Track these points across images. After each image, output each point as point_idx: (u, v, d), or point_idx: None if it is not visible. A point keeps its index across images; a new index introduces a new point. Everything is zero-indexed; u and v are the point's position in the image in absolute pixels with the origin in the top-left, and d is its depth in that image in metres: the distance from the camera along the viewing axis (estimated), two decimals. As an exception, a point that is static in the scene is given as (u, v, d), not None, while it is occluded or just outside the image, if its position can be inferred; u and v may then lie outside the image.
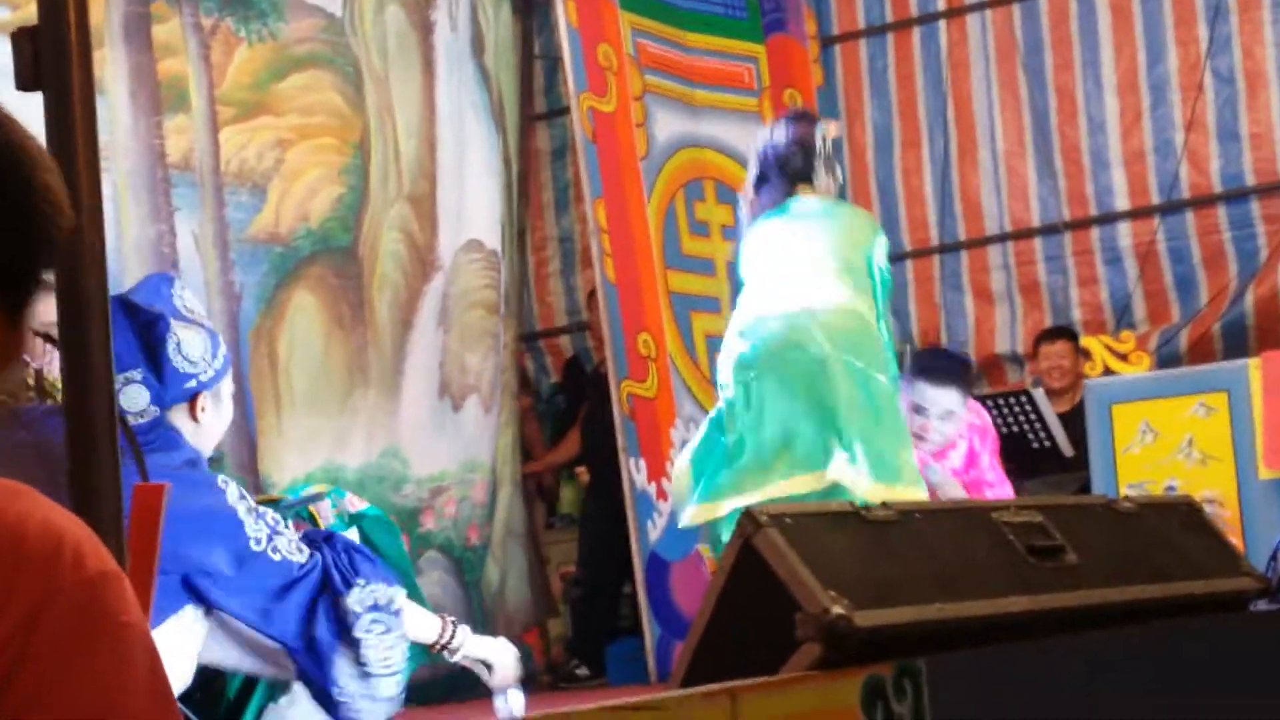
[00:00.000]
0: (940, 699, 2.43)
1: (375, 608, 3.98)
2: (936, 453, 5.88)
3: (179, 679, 3.86)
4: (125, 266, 6.27)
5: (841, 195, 6.10)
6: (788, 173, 5.68)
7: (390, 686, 4.00)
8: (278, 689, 4.43)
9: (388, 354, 7.03)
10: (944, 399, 5.81)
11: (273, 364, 6.67)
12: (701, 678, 2.43)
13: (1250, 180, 8.07)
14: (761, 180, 5.75)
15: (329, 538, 4.10)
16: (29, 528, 1.27)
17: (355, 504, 4.55)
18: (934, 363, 6.30)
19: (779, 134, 5.74)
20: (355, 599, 3.93)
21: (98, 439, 1.77)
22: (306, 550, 3.98)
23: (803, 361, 5.27)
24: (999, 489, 5.90)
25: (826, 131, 5.75)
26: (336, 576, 3.92)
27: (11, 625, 1.23)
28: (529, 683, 7.28)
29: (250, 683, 4.24)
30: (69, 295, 1.81)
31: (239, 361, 6.56)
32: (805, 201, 5.65)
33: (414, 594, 4.69)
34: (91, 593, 1.26)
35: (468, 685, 7.17)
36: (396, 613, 4.05)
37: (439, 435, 7.19)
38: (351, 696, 3.88)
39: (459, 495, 7.26)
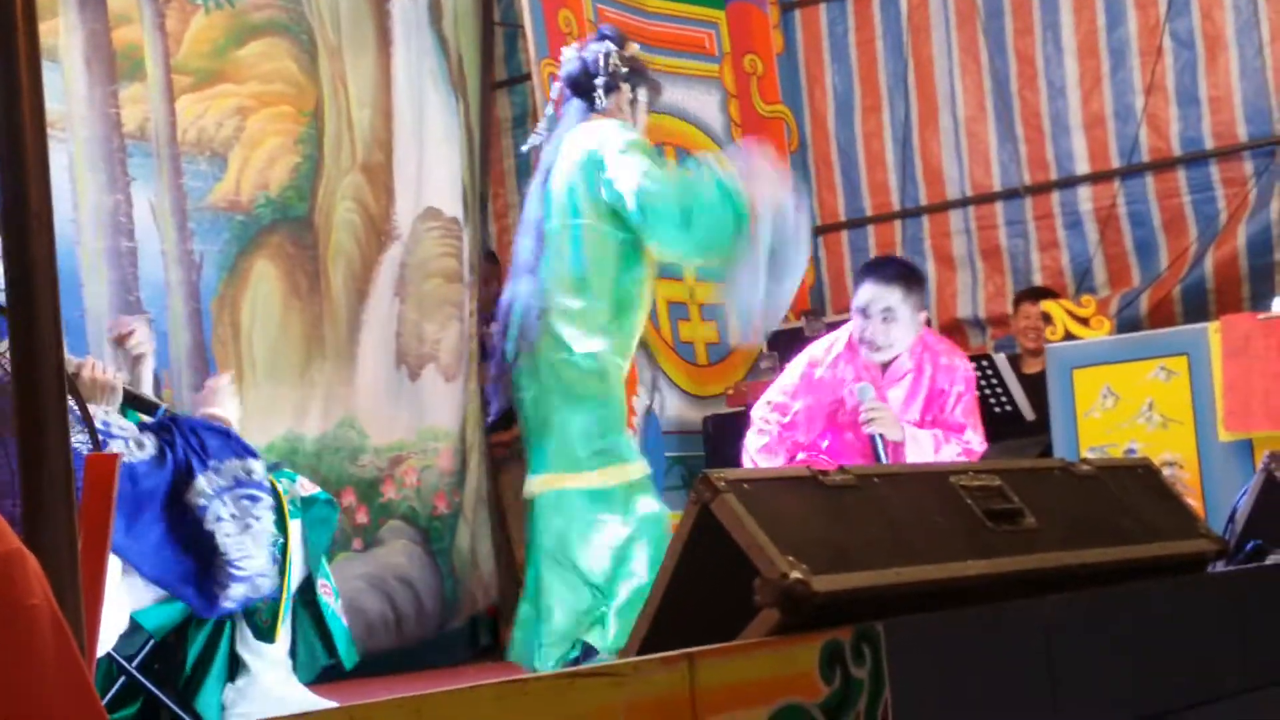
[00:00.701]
0: (898, 663, 2.43)
1: (227, 490, 3.88)
2: (877, 379, 5.74)
3: (113, 628, 3.81)
4: (81, 237, 6.23)
5: (658, 89, 5.74)
6: (578, 92, 5.48)
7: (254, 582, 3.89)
8: (238, 667, 4.43)
9: (343, 324, 7.00)
10: (885, 296, 5.59)
11: (235, 333, 6.64)
12: (660, 644, 2.42)
13: (1209, 144, 8.09)
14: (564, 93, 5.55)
15: (175, 419, 4.01)
16: None
17: (307, 488, 4.54)
18: (878, 263, 6.22)
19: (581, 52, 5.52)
20: (201, 487, 3.84)
21: (46, 408, 1.75)
22: (150, 443, 3.91)
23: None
24: (963, 438, 5.75)
25: (614, 50, 5.46)
26: (187, 462, 3.82)
27: None
28: (493, 653, 7.31)
29: (207, 655, 4.24)
30: (16, 263, 1.79)
31: (200, 330, 6.53)
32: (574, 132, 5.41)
33: (321, 574, 4.69)
34: None
35: (432, 655, 7.21)
36: (258, 484, 3.94)
37: (396, 405, 7.16)
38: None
39: (420, 465, 7.23)
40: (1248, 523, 3.76)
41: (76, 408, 2.23)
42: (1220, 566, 3.43)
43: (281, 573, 4.34)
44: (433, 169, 7.49)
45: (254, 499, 3.88)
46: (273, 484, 4.40)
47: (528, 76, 8.23)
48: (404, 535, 7.17)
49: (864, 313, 5.62)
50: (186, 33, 6.66)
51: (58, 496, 1.74)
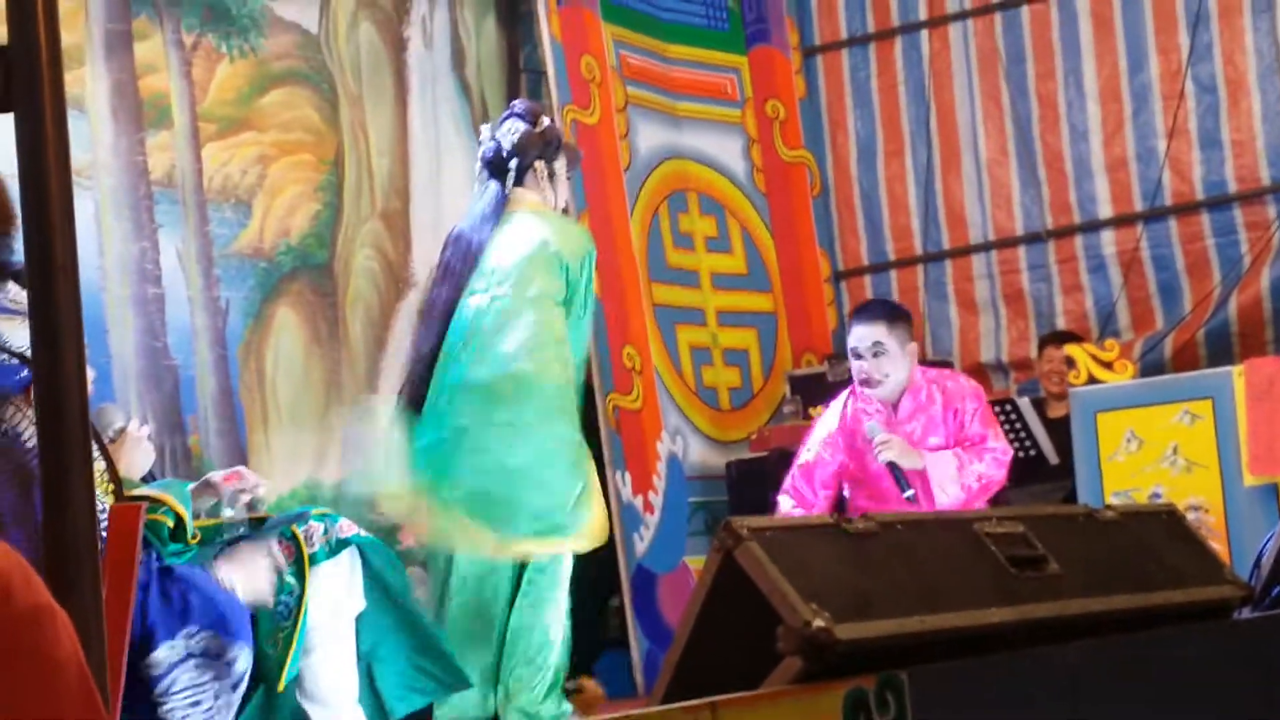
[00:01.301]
0: (923, 711, 2.43)
1: (188, 659, 3.74)
2: (891, 421, 5.84)
3: None
4: (108, 284, 6.26)
5: (575, 157, 5.74)
6: (496, 174, 5.45)
7: None
8: (270, 708, 4.43)
9: (362, 371, 7.02)
10: (871, 333, 5.78)
11: (260, 379, 6.66)
12: (683, 692, 2.42)
13: (1232, 187, 8.08)
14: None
15: (167, 571, 3.88)
16: None
17: (346, 529, 4.54)
18: (861, 306, 6.55)
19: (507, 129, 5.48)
20: (159, 658, 3.71)
21: (71, 458, 1.76)
22: None
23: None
24: (986, 447, 5.80)
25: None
26: (148, 631, 3.65)
27: None
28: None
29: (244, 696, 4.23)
30: (41, 315, 1.80)
31: (227, 376, 6.55)
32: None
33: (411, 617, 4.68)
34: (21, 629, 1.23)
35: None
36: (228, 664, 3.80)
37: (415, 451, 7.18)
38: None
39: (436, 512, 7.24)
40: (1274, 568, 3.74)
41: (101, 459, 2.24)
42: (1246, 613, 3.42)
43: (295, 621, 4.33)
44: (451, 215, 7.51)
45: (216, 677, 3.74)
46: (294, 532, 4.40)
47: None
48: (421, 583, 7.16)
49: (856, 353, 5.84)
50: (212, 81, 6.71)
51: (81, 546, 1.75)
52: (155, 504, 4.24)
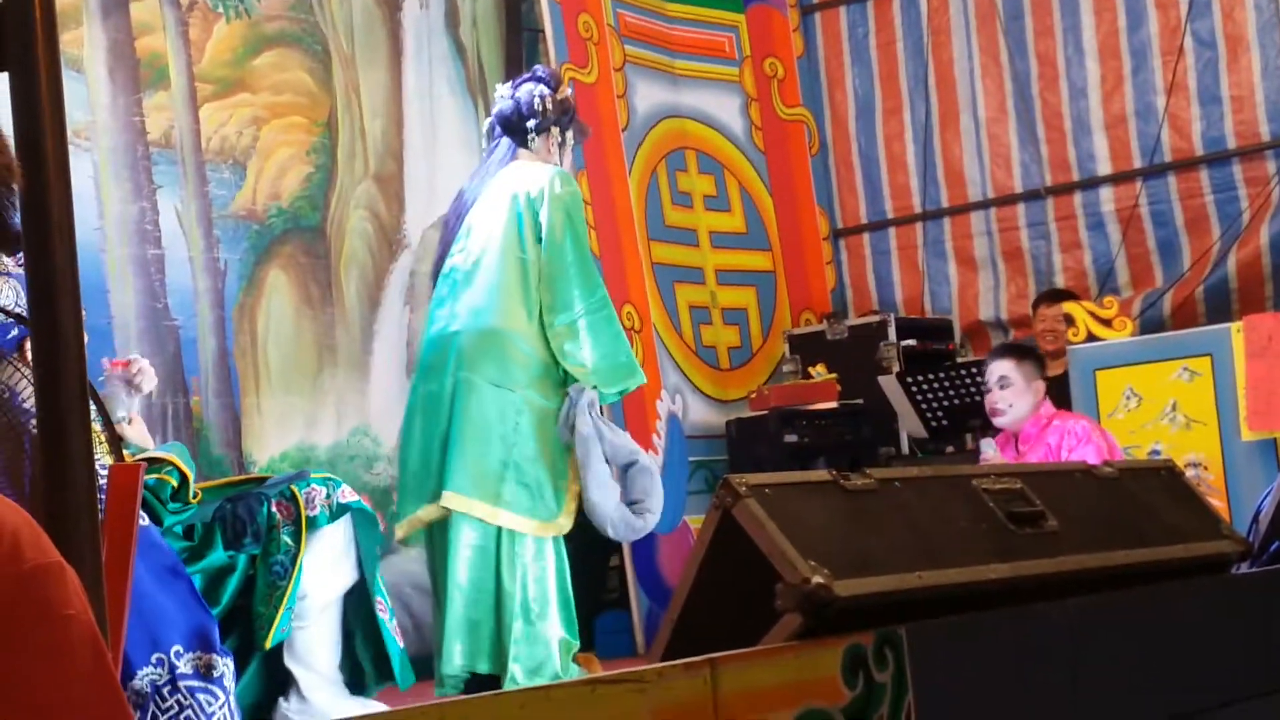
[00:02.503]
0: (921, 667, 2.43)
1: (169, 683, 3.68)
2: (1009, 447, 6.16)
3: None
4: (108, 245, 6.26)
5: (584, 132, 5.82)
6: (510, 131, 5.51)
7: None
8: (288, 683, 4.45)
9: (356, 333, 7.02)
10: (997, 368, 6.18)
11: (253, 341, 6.67)
12: (683, 649, 2.42)
13: (1232, 143, 8.07)
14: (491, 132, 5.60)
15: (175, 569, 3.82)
16: None
17: (348, 496, 4.56)
18: (996, 347, 7.15)
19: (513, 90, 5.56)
20: (136, 685, 3.58)
21: (69, 417, 1.76)
22: None
23: (428, 395, 5.28)
24: None
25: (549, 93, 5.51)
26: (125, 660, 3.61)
27: None
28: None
29: (237, 663, 4.24)
30: (38, 273, 1.80)
31: (224, 338, 6.55)
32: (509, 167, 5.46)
33: (376, 592, 4.69)
34: (29, 585, 1.24)
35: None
36: (217, 680, 3.77)
37: (408, 413, 7.19)
38: None
39: (433, 473, 7.25)
40: (1272, 523, 3.74)
41: (99, 418, 2.24)
42: (1244, 568, 3.42)
43: (289, 580, 4.34)
44: (446, 177, 7.51)
45: (202, 702, 3.68)
46: (294, 492, 4.41)
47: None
48: (417, 543, 7.18)
49: (987, 386, 6.26)
50: (209, 41, 6.70)
51: (80, 506, 1.75)
52: (159, 464, 4.26)
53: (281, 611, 4.32)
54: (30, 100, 1.75)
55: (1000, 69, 8.60)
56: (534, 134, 5.44)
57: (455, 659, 5.14)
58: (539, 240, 5.26)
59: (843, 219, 9.12)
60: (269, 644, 4.33)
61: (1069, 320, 7.16)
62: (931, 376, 7.71)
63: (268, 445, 6.48)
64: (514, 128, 5.47)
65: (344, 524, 4.51)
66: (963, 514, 2.80)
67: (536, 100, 5.45)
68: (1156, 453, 6.37)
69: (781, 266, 8.83)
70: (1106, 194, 8.39)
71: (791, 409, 7.95)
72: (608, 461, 5.25)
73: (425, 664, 5.40)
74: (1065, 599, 2.78)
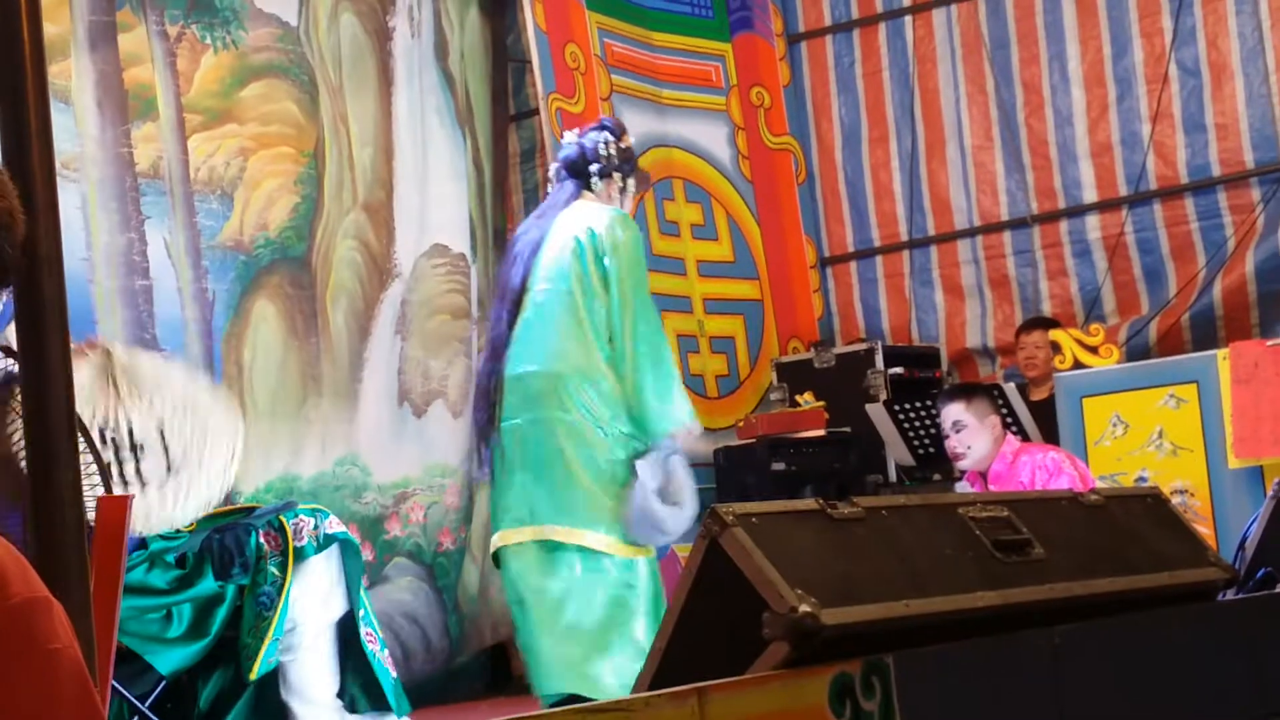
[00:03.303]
0: (908, 695, 2.44)
1: None
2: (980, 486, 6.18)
3: None
4: (95, 275, 6.25)
5: (646, 181, 6.09)
6: (574, 174, 5.78)
7: None
8: (286, 716, 4.44)
9: (344, 363, 7.01)
10: (948, 413, 6.20)
11: (239, 371, 6.66)
12: (670, 677, 2.43)
13: (1216, 171, 8.10)
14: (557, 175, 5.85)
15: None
16: None
17: (334, 526, 4.56)
18: (943, 391, 7.02)
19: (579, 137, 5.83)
20: None
21: (57, 446, 1.76)
22: None
23: (510, 431, 5.50)
24: None
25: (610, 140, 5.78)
26: None
27: None
28: (505, 686, 7.32)
29: (228, 697, 4.24)
30: (26, 305, 1.80)
31: (212, 368, 6.55)
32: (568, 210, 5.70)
33: (365, 623, 4.69)
34: (16, 620, 1.24)
35: (465, 685, 7.23)
36: None
37: (400, 442, 7.18)
38: None
39: (427, 501, 7.24)
40: (1258, 550, 3.75)
41: (87, 449, 2.25)
42: (1230, 595, 3.43)
43: (275, 610, 4.34)
44: (438, 206, 7.51)
45: None
46: (282, 522, 4.41)
47: (535, 111, 8.25)
48: (409, 572, 7.17)
49: (944, 433, 6.28)
50: (197, 72, 6.70)
51: (69, 536, 1.75)
52: None
53: (267, 642, 4.31)
54: (19, 132, 1.76)
55: (986, 97, 8.64)
56: (597, 177, 5.70)
57: (558, 682, 5.33)
58: (602, 278, 5.49)
59: (830, 247, 9.14)
60: (255, 675, 4.32)
61: (1056, 348, 7.18)
62: (919, 404, 7.73)
63: (253, 475, 6.46)
64: (578, 171, 5.74)
65: (333, 554, 4.51)
66: (949, 542, 2.81)
67: (601, 146, 5.72)
68: (1143, 480, 6.38)
69: (769, 295, 8.85)
70: (1092, 221, 8.42)
71: (779, 437, 7.96)
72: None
73: (417, 692, 5.40)
74: (1052, 626, 2.78)
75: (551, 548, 5.39)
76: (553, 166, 5.93)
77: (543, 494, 5.39)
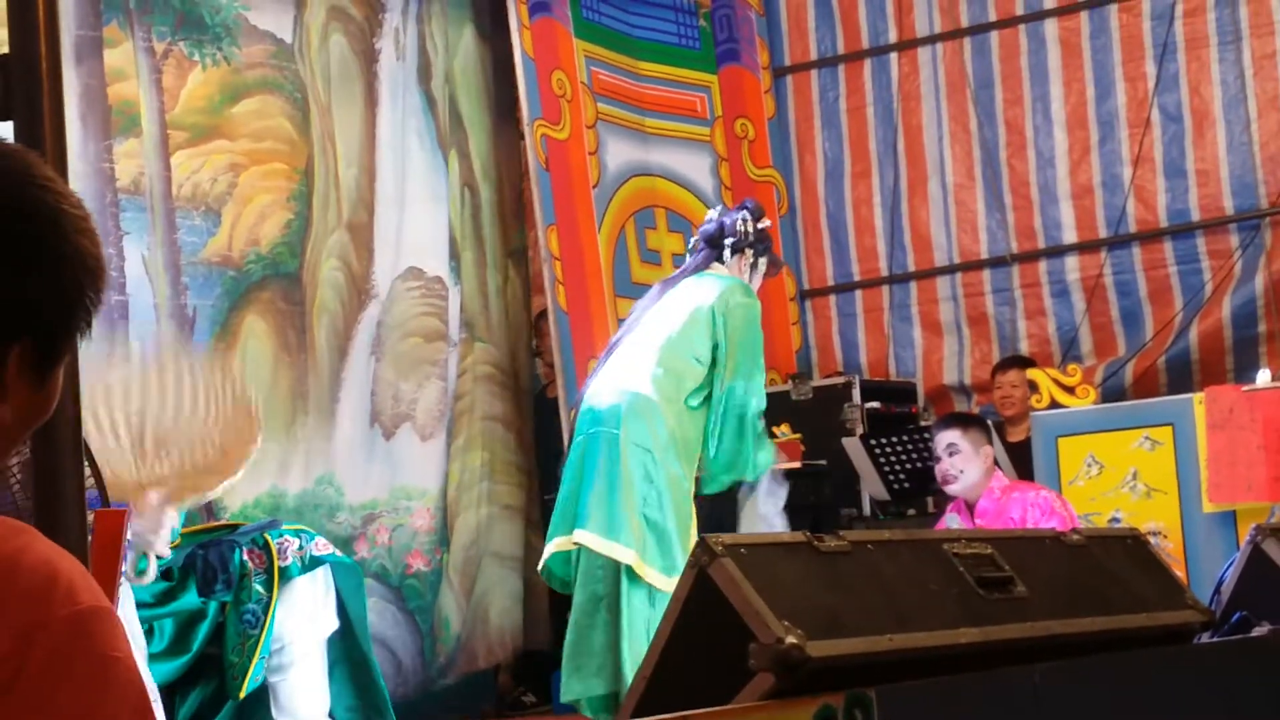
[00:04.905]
0: (891, 729, 2.45)
1: None
2: (965, 517, 6.25)
3: None
4: (74, 289, 6.23)
5: (777, 265, 6.43)
6: (710, 245, 6.14)
7: None
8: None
9: (325, 381, 7.01)
10: (944, 437, 6.29)
11: (227, 385, 6.64)
12: (655, 706, 2.44)
13: (1196, 216, 8.15)
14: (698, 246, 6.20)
15: None
16: (25, 561, 1.30)
17: (321, 548, 4.56)
18: (940, 417, 7.25)
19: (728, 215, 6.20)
20: None
21: (62, 464, 1.77)
22: None
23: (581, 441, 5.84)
24: None
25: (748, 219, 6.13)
26: None
27: (2, 653, 1.25)
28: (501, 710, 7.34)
29: (207, 710, 4.24)
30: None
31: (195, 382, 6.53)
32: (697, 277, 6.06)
33: (364, 648, 4.69)
34: (81, 626, 1.28)
35: (460, 705, 7.21)
36: None
37: (369, 463, 7.17)
38: None
39: (392, 524, 7.23)
40: (1234, 594, 3.78)
41: (85, 463, 2.25)
42: (1206, 637, 3.45)
43: (261, 629, 4.34)
44: (415, 228, 7.50)
45: None
46: (267, 540, 4.41)
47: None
48: (375, 594, 7.15)
49: (937, 456, 6.34)
50: (183, 89, 6.70)
51: (71, 548, 1.76)
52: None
53: (255, 661, 4.31)
54: (34, 148, 1.77)
55: (969, 136, 8.68)
56: (729, 250, 6.05)
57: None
58: (710, 341, 5.83)
59: (809, 280, 9.17)
60: (243, 693, 4.32)
61: (1033, 387, 7.21)
62: (895, 439, 7.75)
63: (239, 492, 6.45)
64: (714, 243, 6.10)
65: (321, 574, 4.51)
66: (933, 578, 2.83)
67: (739, 223, 6.09)
68: (1117, 520, 6.41)
69: (747, 326, 8.86)
70: (1071, 262, 8.46)
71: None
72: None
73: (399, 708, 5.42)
74: (1033, 664, 2.80)
75: None
76: (693, 238, 6.31)
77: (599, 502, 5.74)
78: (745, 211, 6.18)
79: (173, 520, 4.31)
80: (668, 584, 5.51)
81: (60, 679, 1.25)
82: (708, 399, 5.85)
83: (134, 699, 1.30)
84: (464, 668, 7.45)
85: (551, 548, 5.72)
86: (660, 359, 5.79)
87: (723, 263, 6.08)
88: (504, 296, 7.98)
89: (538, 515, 7.74)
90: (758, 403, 5.91)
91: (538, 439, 8.06)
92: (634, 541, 5.59)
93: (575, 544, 5.64)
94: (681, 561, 5.54)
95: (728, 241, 6.07)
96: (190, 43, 6.74)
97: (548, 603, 7.62)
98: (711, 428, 5.83)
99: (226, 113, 6.82)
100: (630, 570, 5.57)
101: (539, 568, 5.90)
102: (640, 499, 5.64)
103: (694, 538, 5.73)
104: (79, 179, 6.29)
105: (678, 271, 6.23)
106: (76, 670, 1.26)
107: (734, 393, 5.84)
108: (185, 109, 6.69)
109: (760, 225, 6.16)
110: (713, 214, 6.27)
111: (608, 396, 5.78)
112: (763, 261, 6.17)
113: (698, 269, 6.08)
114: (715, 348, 5.84)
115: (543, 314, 7.91)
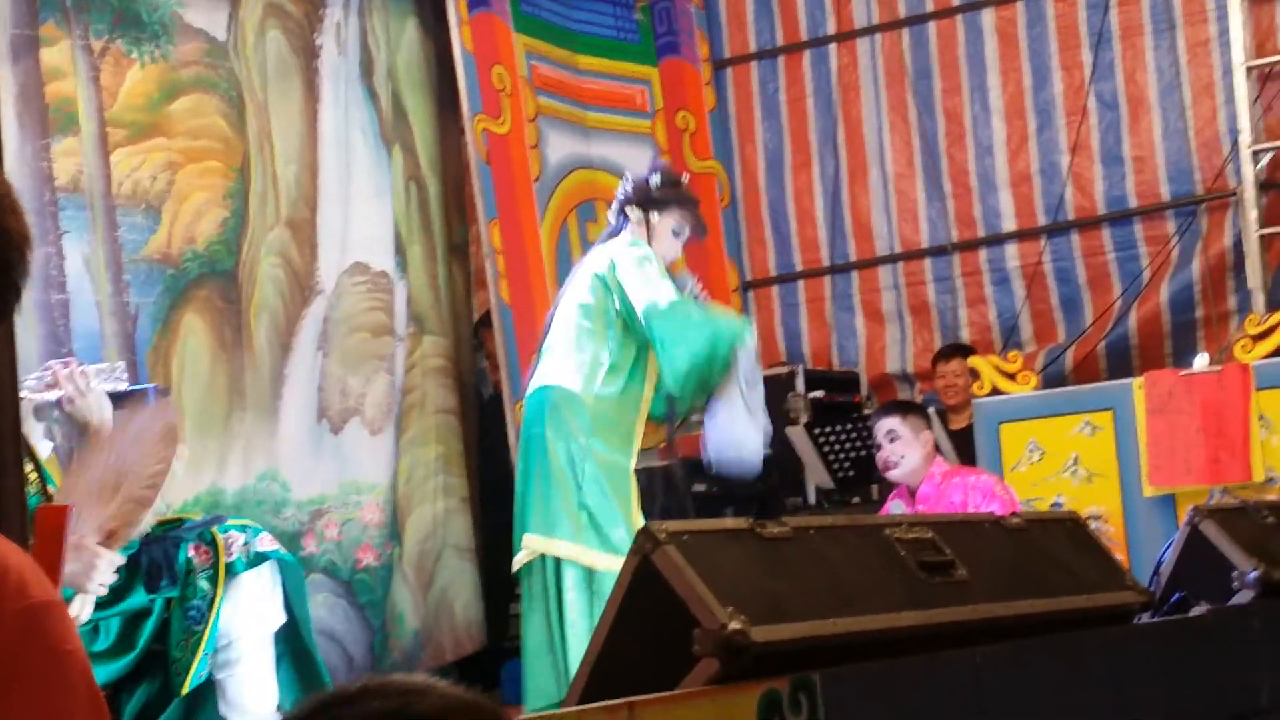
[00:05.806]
0: (835, 712, 2.47)
1: None
2: (906, 501, 6.32)
3: None
4: (14, 288, 6.20)
5: (700, 230, 6.30)
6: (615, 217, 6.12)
7: None
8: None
9: (265, 378, 6.98)
10: (884, 424, 6.39)
11: (167, 385, 6.62)
12: (599, 694, 2.45)
13: (1133, 202, 8.22)
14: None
15: None
16: None
17: (266, 544, 4.55)
18: (879, 406, 7.34)
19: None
20: None
21: (4, 458, 1.77)
22: None
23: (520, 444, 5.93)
24: None
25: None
26: None
27: None
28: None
29: (151, 712, 4.22)
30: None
31: (138, 381, 6.51)
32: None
33: (307, 643, 4.69)
34: (33, 620, 1.27)
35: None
36: None
37: (317, 458, 7.15)
38: None
39: (341, 518, 7.22)
40: (1172, 575, 3.82)
41: (29, 459, 2.25)
42: (1146, 618, 3.49)
43: (205, 624, 4.33)
44: (360, 224, 7.48)
45: None
46: (214, 536, 4.40)
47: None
48: (325, 589, 7.13)
49: (877, 444, 6.46)
50: (122, 87, 6.65)
51: (14, 540, 1.76)
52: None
53: (199, 656, 4.30)
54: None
55: (908, 126, 8.73)
56: (620, 215, 6.02)
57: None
58: (608, 303, 5.80)
59: (752, 271, 9.20)
60: (186, 689, 4.31)
61: (974, 374, 7.26)
62: (839, 428, 7.78)
63: (180, 488, 6.43)
64: (618, 210, 6.06)
65: (267, 569, 4.50)
66: (876, 562, 2.85)
67: (627, 185, 6.07)
68: (1058, 505, 6.46)
69: (691, 318, 8.87)
70: (1011, 250, 8.52)
71: (700, 459, 7.97)
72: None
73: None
74: (974, 647, 2.83)
75: None
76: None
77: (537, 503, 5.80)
78: (628, 172, 6.21)
79: (112, 561, 4.21)
80: (608, 562, 5.54)
81: (13, 673, 1.25)
82: (631, 374, 5.83)
83: (87, 691, 1.30)
84: (429, 661, 7.43)
85: (517, 563, 5.79)
86: (576, 341, 5.79)
87: (624, 228, 6.02)
88: (452, 290, 7.97)
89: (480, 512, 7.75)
90: (670, 294, 5.74)
91: (480, 438, 7.96)
92: (572, 533, 5.62)
93: (533, 553, 5.72)
94: (620, 540, 5.60)
95: (625, 206, 6.03)
96: (128, 40, 6.70)
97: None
98: (659, 351, 5.71)
99: (164, 110, 6.78)
100: (569, 563, 5.62)
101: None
102: (575, 489, 5.66)
103: (637, 515, 5.83)
104: (16, 178, 6.25)
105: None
106: (30, 664, 1.25)
107: (654, 306, 5.69)
108: (124, 106, 6.66)
109: (653, 182, 6.02)
110: (628, 175, 6.25)
111: (530, 394, 5.84)
112: (661, 220, 5.98)
113: (603, 239, 6.08)
114: (621, 309, 5.78)
115: (487, 313, 7.87)
